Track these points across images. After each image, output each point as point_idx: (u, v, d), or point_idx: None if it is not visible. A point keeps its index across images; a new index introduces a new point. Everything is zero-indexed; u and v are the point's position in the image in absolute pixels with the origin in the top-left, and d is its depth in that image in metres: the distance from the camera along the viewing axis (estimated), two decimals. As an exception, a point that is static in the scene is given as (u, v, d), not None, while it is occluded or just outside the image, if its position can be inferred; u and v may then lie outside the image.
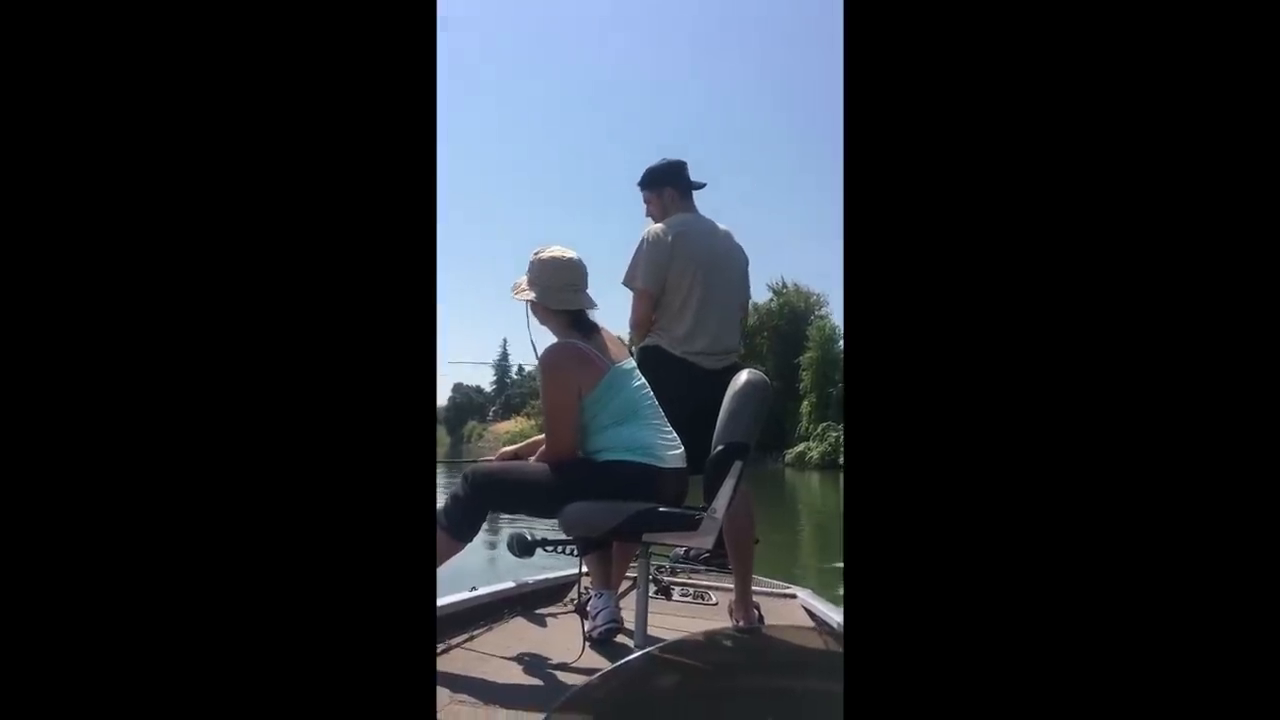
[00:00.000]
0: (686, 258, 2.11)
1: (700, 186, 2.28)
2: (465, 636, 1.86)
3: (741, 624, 2.00)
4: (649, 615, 1.70)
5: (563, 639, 1.89)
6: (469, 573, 2.49)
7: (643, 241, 2.15)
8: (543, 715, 1.24)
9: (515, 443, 2.08)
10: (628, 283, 2.17)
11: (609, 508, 1.59)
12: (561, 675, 1.63)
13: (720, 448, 1.61)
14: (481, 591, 2.14)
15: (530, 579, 2.39)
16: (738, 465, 1.60)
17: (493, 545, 4.29)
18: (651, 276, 2.11)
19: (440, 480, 1.78)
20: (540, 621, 2.12)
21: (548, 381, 1.72)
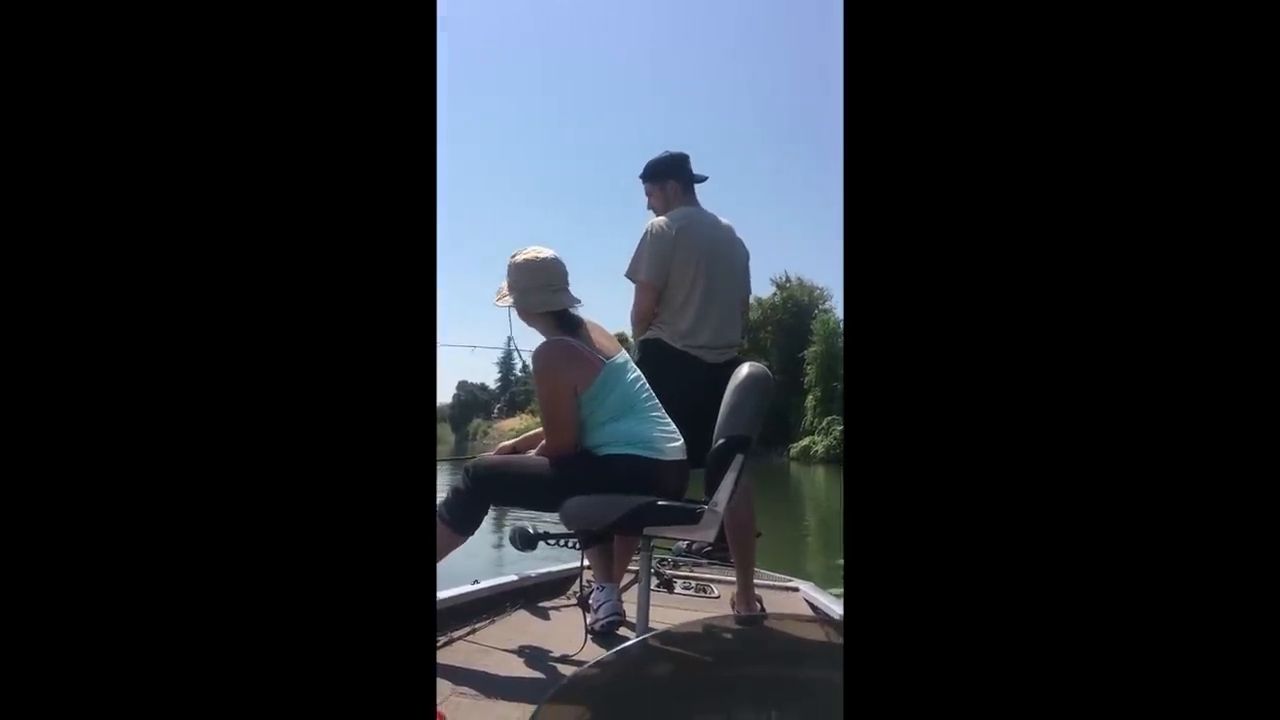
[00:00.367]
0: (690, 251, 2.11)
1: (702, 179, 2.27)
2: (468, 629, 1.87)
3: (743, 615, 2.00)
4: (651, 608, 1.70)
5: (565, 632, 1.89)
6: (474, 566, 2.49)
7: (646, 234, 2.14)
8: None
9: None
10: (630, 275, 2.16)
11: (609, 502, 1.59)
12: (563, 668, 1.64)
13: (721, 441, 1.61)
14: (484, 584, 2.15)
15: (533, 572, 2.40)
16: (739, 459, 1.60)
17: (499, 539, 4.30)
18: (655, 270, 2.11)
19: (446, 478, 1.78)
20: (543, 614, 2.13)
21: (542, 379, 1.72)
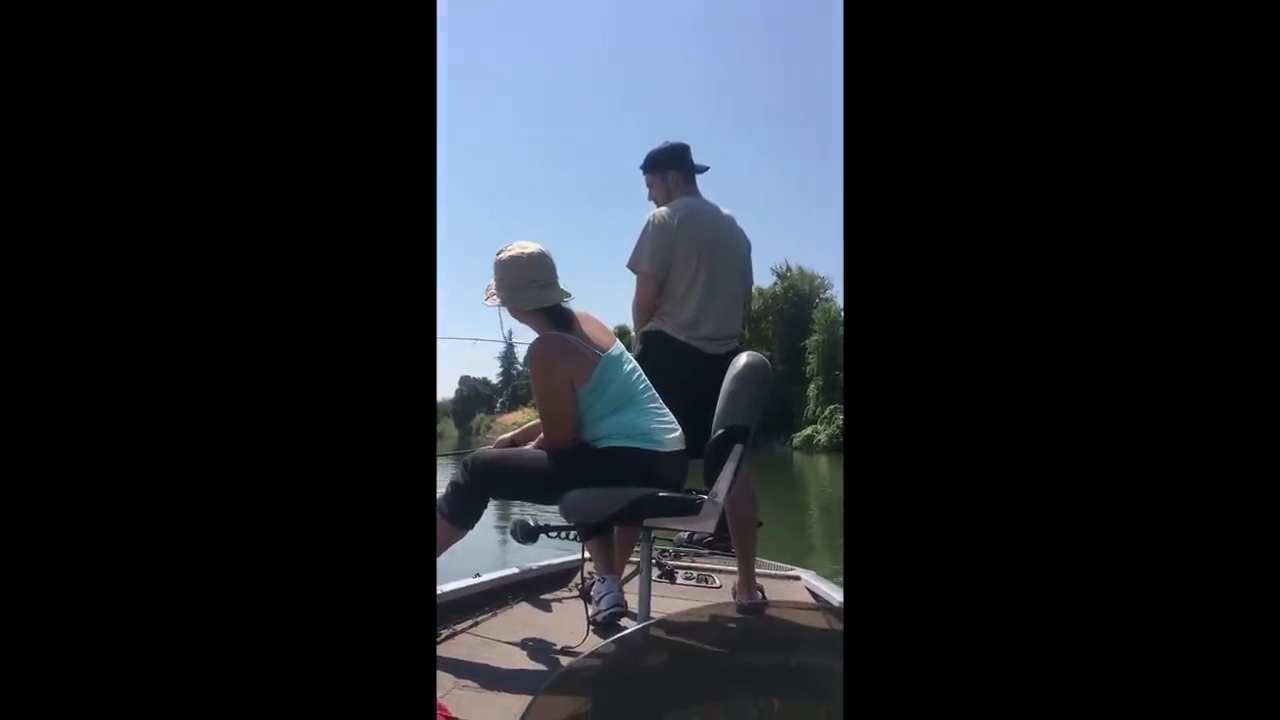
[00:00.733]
0: (692, 241, 2.10)
1: (703, 170, 2.26)
2: (470, 622, 1.88)
3: (745, 604, 2.01)
4: (652, 599, 1.71)
5: (567, 623, 1.90)
6: (478, 559, 2.50)
7: (647, 224, 2.13)
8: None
9: None
10: (632, 266, 2.15)
11: (608, 494, 1.59)
12: (565, 660, 1.64)
13: (720, 431, 1.61)
14: (486, 577, 2.16)
15: (534, 564, 2.40)
16: (738, 448, 1.60)
17: (503, 532, 4.31)
18: (656, 260, 2.10)
19: (448, 471, 1.78)
20: (545, 606, 2.13)
21: (538, 376, 1.71)
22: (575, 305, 1.82)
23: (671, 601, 2.16)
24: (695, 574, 2.54)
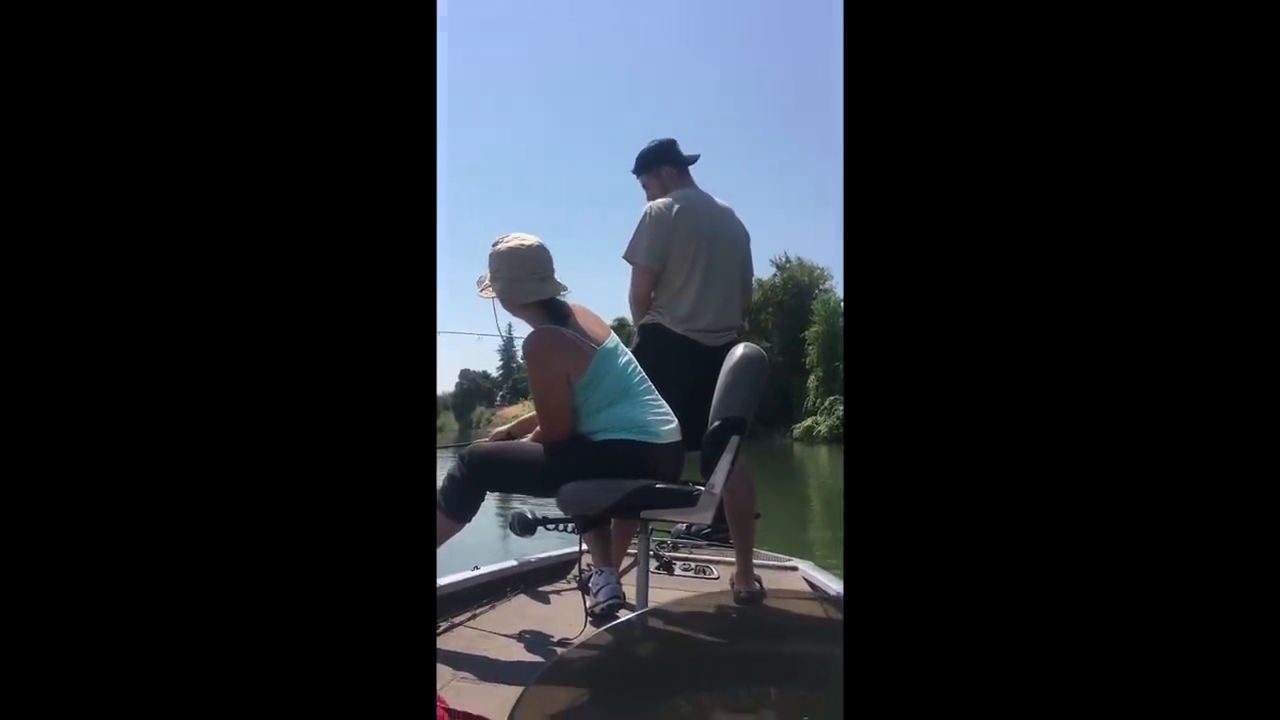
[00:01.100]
0: (689, 233, 2.09)
1: (694, 160, 2.26)
2: (468, 615, 1.88)
3: (742, 593, 2.02)
4: (650, 590, 1.71)
5: (565, 616, 1.91)
6: (475, 552, 2.51)
7: (645, 216, 2.12)
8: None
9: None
10: (629, 257, 2.14)
11: (605, 486, 1.60)
12: (563, 652, 1.65)
13: (717, 423, 1.61)
14: (484, 570, 2.16)
15: (532, 557, 2.41)
16: (734, 440, 1.60)
17: (502, 524, 4.32)
18: (654, 252, 2.09)
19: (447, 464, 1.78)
20: (543, 599, 2.14)
21: (534, 370, 1.71)
22: (573, 299, 1.82)
23: (669, 593, 2.16)
24: (693, 565, 2.54)
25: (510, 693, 1.39)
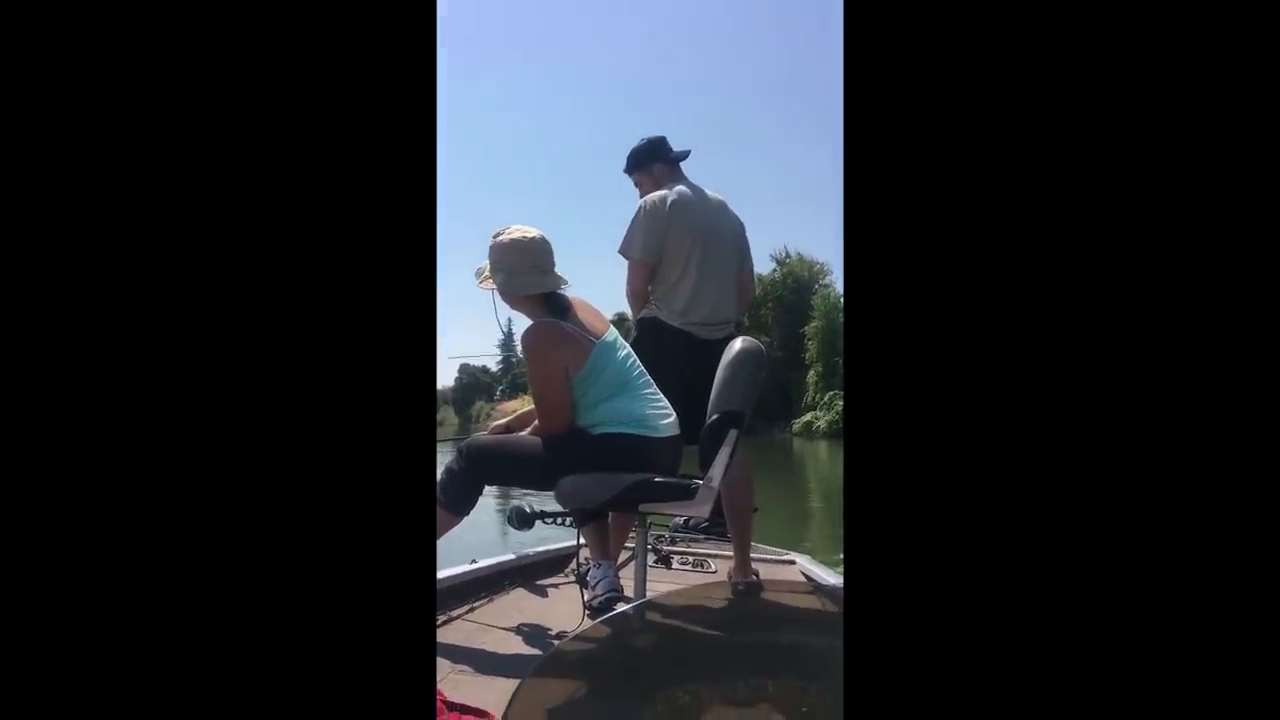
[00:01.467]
0: (684, 226, 2.09)
1: (685, 155, 2.26)
2: (466, 608, 1.89)
3: (740, 585, 2.02)
4: (648, 584, 1.72)
5: (563, 609, 1.91)
6: (477, 546, 2.51)
7: (639, 210, 2.12)
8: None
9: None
10: (624, 252, 2.14)
11: (603, 480, 1.60)
12: (560, 644, 1.66)
13: (715, 417, 1.61)
14: (482, 563, 2.17)
15: (530, 550, 2.41)
16: (733, 434, 1.60)
17: (503, 519, 4.32)
18: (649, 246, 2.09)
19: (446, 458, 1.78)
20: (541, 592, 2.15)
21: (533, 363, 1.71)
22: (573, 292, 1.82)
23: (667, 587, 2.17)
24: (691, 559, 2.55)
25: (508, 685, 1.39)
